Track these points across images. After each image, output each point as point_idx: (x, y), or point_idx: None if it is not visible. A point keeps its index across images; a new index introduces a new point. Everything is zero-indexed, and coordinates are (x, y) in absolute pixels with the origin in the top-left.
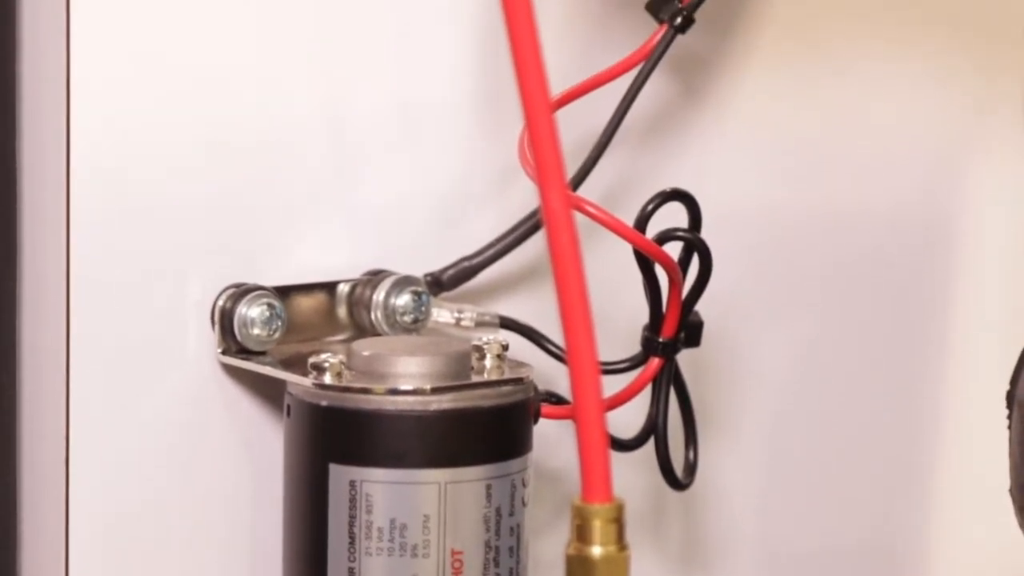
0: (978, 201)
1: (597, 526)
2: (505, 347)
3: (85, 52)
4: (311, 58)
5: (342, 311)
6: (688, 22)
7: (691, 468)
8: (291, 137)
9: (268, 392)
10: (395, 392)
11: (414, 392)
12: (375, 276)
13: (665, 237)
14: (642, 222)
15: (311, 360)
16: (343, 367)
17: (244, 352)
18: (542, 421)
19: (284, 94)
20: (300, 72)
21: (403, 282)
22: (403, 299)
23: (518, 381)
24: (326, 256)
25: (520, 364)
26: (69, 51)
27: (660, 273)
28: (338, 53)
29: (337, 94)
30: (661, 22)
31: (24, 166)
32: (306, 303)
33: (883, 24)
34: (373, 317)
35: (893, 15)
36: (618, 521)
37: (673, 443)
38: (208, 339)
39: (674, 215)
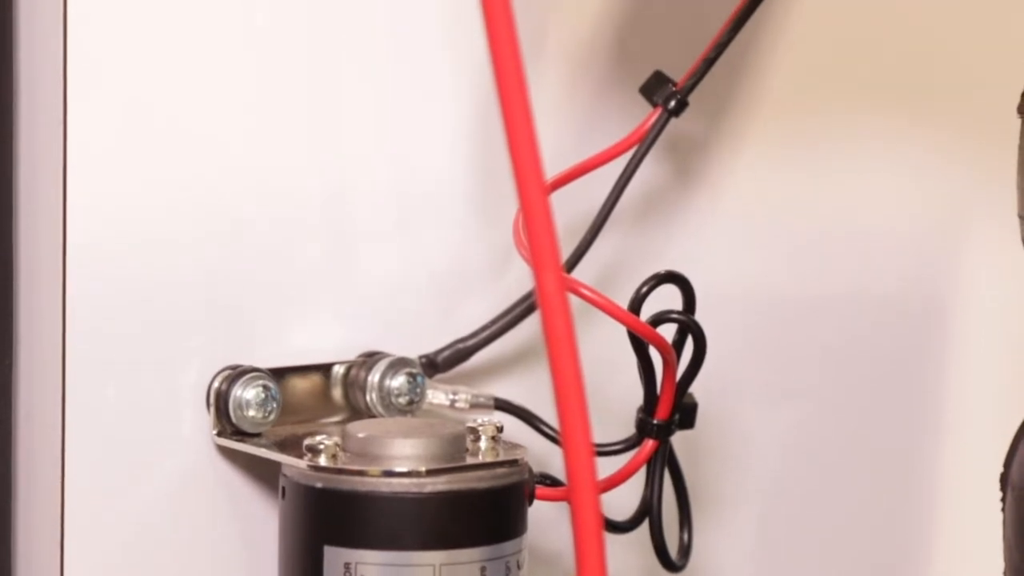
0: (973, 281)
1: None
2: (500, 429)
3: (82, 131)
4: (307, 138)
5: (337, 393)
6: (682, 105)
7: (685, 550)
8: (287, 218)
9: (263, 473)
10: (390, 474)
11: (409, 474)
12: (370, 358)
13: (659, 319)
14: (636, 304)
15: (306, 442)
16: (338, 449)
17: (239, 434)
18: (537, 503)
19: (280, 175)
20: (296, 153)
21: (398, 364)
22: (398, 381)
23: (513, 463)
24: (321, 338)
25: (515, 446)
26: (66, 130)
27: (655, 355)
28: (334, 134)
29: (333, 175)
30: (655, 105)
31: (20, 246)
32: (301, 385)
33: (876, 105)
34: (368, 399)
35: (886, 96)
36: None
37: (667, 524)
38: (203, 421)
39: (669, 296)
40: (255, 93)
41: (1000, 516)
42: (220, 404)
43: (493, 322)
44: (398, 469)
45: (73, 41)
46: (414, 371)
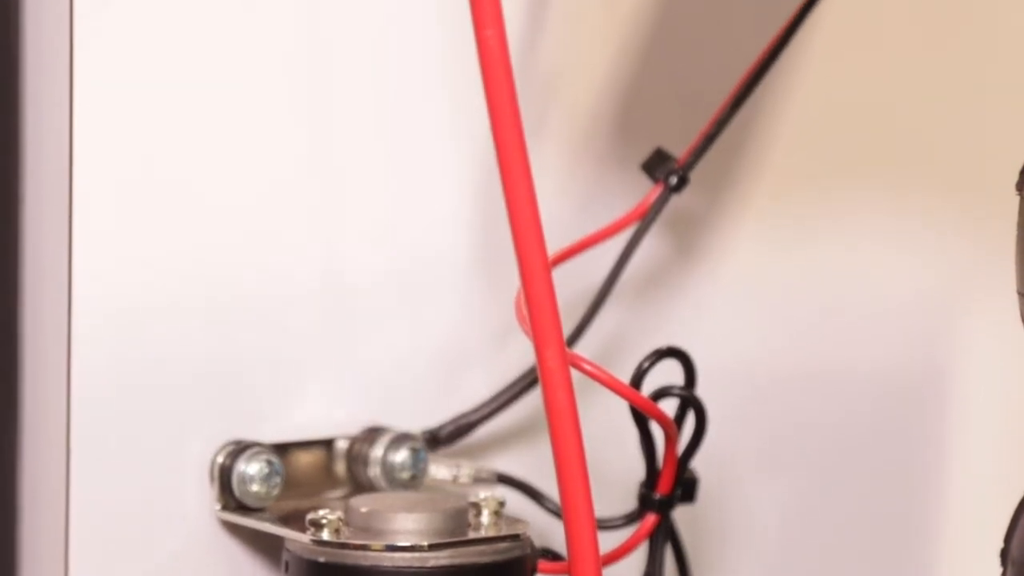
0: (973, 357)
1: None
2: (502, 503)
3: (87, 205)
4: (309, 214)
5: (340, 467)
6: (683, 182)
7: None
8: (289, 293)
9: (266, 548)
10: (393, 548)
11: (412, 548)
12: (373, 432)
13: (661, 394)
14: (638, 379)
15: (309, 516)
16: (341, 523)
17: (242, 508)
18: None
19: (283, 250)
20: (298, 228)
21: (401, 439)
22: (401, 455)
23: (515, 537)
24: (324, 412)
25: (517, 520)
26: (72, 203)
27: (656, 429)
28: (336, 210)
29: (335, 251)
30: (656, 181)
31: (26, 317)
32: (304, 459)
33: (876, 181)
34: (371, 473)
35: (886, 172)
36: None
37: None
38: (207, 495)
39: (670, 370)
40: (257, 167)
41: None
42: (223, 478)
43: (495, 396)
44: (401, 543)
45: (80, 113)
46: (417, 446)
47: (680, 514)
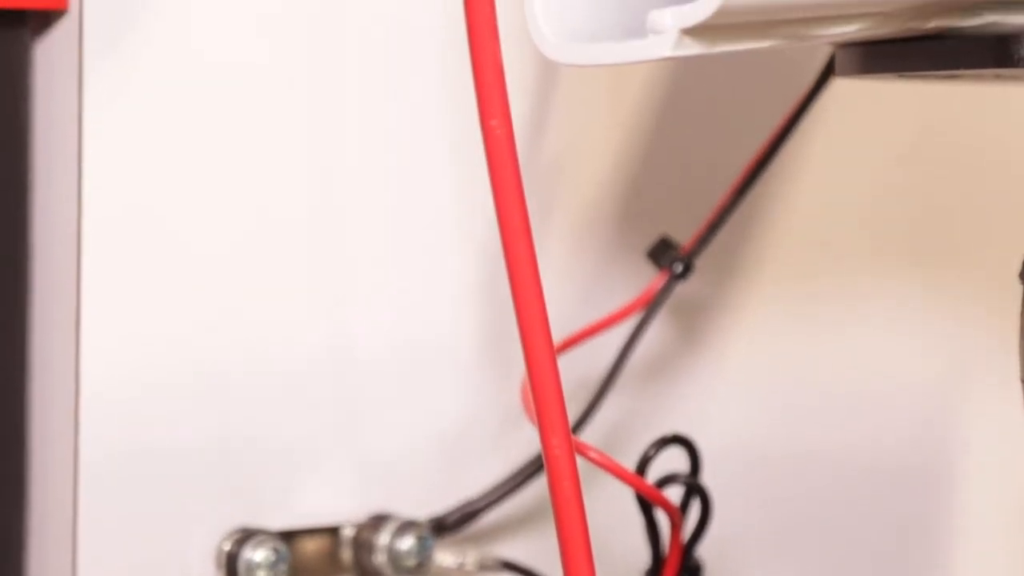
0: (976, 444)
1: None
2: None
3: (96, 294)
4: (315, 303)
5: (346, 554)
6: (688, 269)
7: None
8: (296, 379)
9: None
10: None
11: None
12: (379, 519)
13: (666, 481)
14: (643, 466)
15: None
16: None
17: None
18: None
19: (290, 337)
20: (306, 315)
21: (407, 526)
22: (407, 543)
23: None
24: (330, 499)
25: None
26: (80, 293)
27: (661, 516)
28: (343, 296)
29: (342, 337)
30: (661, 268)
31: (34, 403)
32: (311, 547)
33: (879, 268)
34: (377, 560)
35: (889, 260)
36: None
37: None
38: None
39: (675, 458)
40: (265, 253)
41: None
42: (230, 566)
43: (501, 484)
44: None
45: (88, 195)
46: (423, 533)
47: None
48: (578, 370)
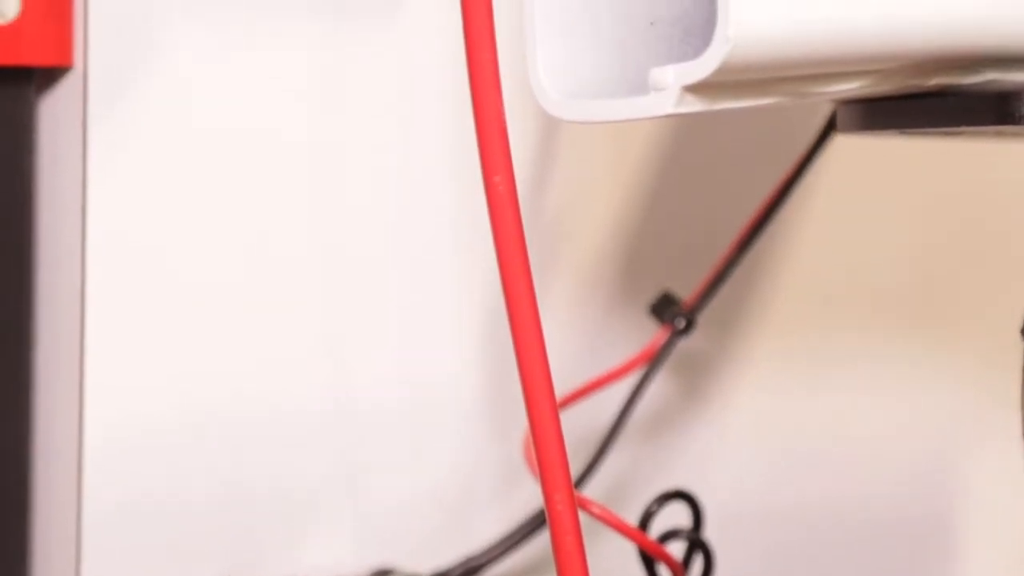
0: (975, 501)
1: None
2: None
3: (99, 352)
4: (320, 356)
5: None
6: (690, 325)
7: None
8: (298, 433)
9: None
10: None
11: None
12: (381, 574)
13: (668, 537)
14: (645, 522)
15: None
16: None
17: None
18: None
19: (293, 391)
20: (309, 369)
21: None
22: None
23: None
24: (332, 555)
25: None
26: (83, 354)
27: (664, 571)
28: (347, 350)
29: (345, 391)
30: (664, 324)
31: (37, 463)
32: None
33: (881, 325)
34: None
35: (891, 316)
36: None
37: None
38: None
39: (678, 513)
40: (269, 310)
41: None
42: None
43: (504, 539)
44: None
45: (91, 254)
46: None
47: None
48: (581, 425)
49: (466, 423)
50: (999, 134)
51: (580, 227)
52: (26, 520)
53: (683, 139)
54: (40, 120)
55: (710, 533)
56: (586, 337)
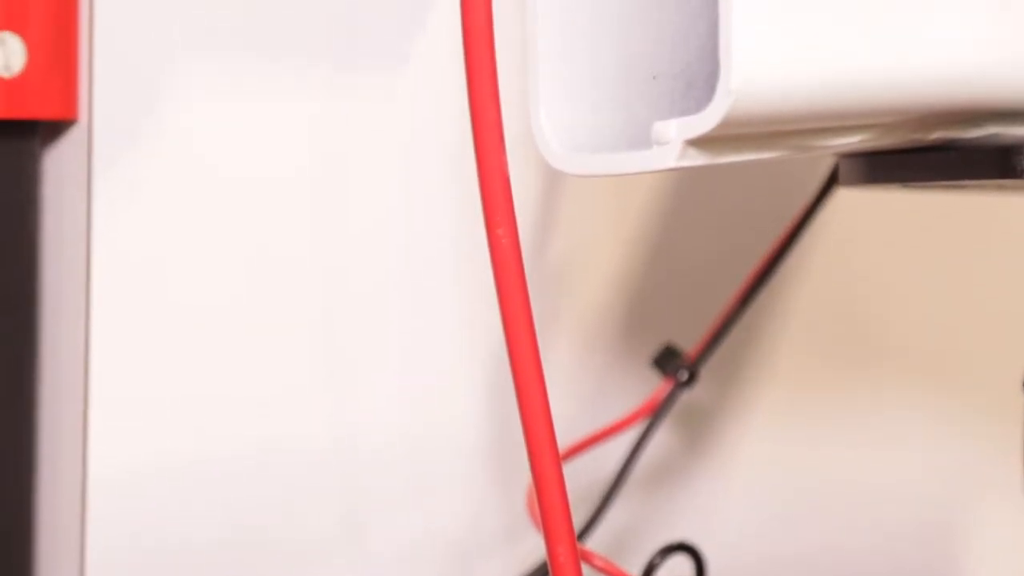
0: (977, 549)
1: None
2: None
3: (103, 403)
4: (323, 405)
5: None
6: (693, 377)
7: None
8: (300, 482)
9: None
10: None
11: None
12: None
13: None
14: (648, 574)
15: None
16: None
17: None
18: None
19: (296, 440)
20: (312, 417)
21: None
22: None
23: None
24: None
25: None
26: (87, 404)
27: None
28: (350, 400)
29: (349, 440)
30: (667, 376)
31: (41, 507)
32: None
33: (884, 377)
34: None
35: (894, 368)
36: None
37: None
38: None
39: (681, 564)
40: (270, 355)
41: None
42: None
43: None
44: None
45: (96, 307)
46: None
47: None
48: (583, 476)
49: (469, 475)
50: (1001, 188)
51: (583, 278)
52: (30, 562)
53: (685, 192)
54: (45, 173)
55: None
56: (589, 389)
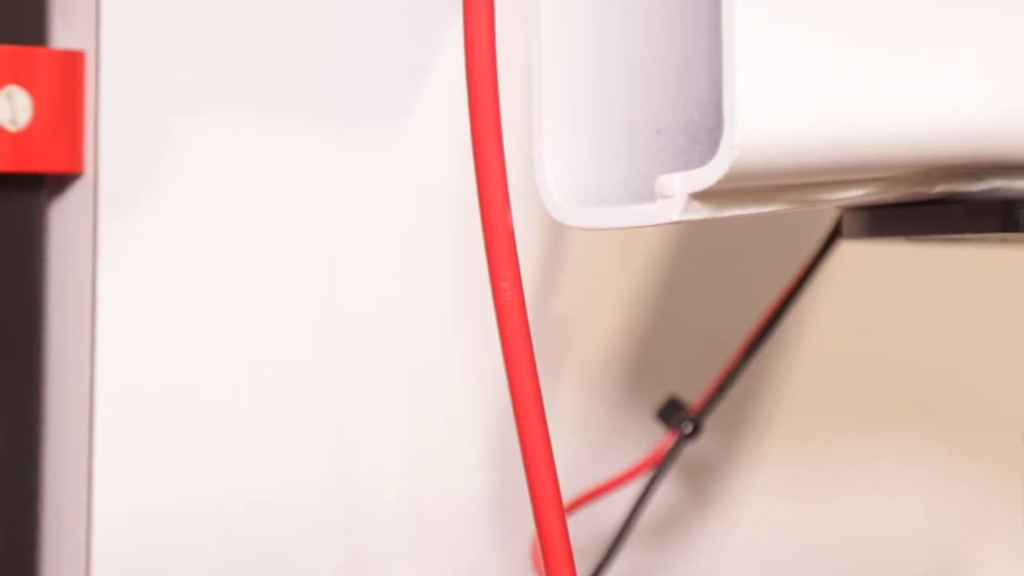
0: None
1: None
2: None
3: (108, 450)
4: (328, 457)
5: None
6: (697, 429)
7: None
8: (306, 535)
9: None
10: None
11: None
12: None
13: None
14: None
15: None
16: None
17: None
18: None
19: (301, 493)
20: (317, 471)
21: None
22: None
23: None
24: None
25: None
26: (92, 450)
27: None
28: (355, 453)
29: (354, 493)
30: (671, 429)
31: (46, 549)
32: None
33: (888, 428)
34: None
35: (897, 419)
36: None
37: None
38: None
39: None
40: (273, 408)
41: None
42: None
43: None
44: None
45: (100, 357)
46: None
47: None
48: (588, 528)
49: (473, 527)
50: (1004, 240)
51: (587, 331)
52: None
53: (689, 244)
54: (50, 226)
55: None
56: (593, 441)
